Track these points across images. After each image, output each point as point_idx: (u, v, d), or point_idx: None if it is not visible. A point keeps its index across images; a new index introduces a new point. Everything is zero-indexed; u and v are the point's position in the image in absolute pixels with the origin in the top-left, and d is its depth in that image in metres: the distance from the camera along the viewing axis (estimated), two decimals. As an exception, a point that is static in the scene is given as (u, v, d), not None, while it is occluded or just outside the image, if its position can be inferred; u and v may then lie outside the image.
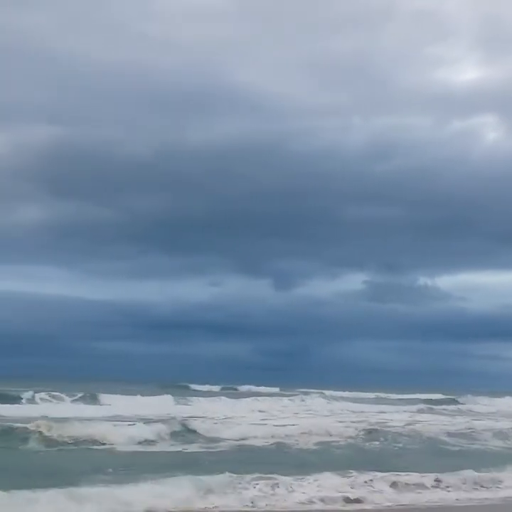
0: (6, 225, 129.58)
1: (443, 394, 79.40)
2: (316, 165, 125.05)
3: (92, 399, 49.24)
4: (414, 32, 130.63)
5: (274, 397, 60.78)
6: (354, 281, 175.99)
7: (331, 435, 29.00)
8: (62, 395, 48.47)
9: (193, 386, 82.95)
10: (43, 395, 47.67)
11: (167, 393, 55.38)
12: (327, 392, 77.24)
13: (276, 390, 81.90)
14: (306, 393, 70.73)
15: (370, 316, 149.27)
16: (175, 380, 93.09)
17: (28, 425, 24.59)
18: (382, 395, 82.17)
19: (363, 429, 31.09)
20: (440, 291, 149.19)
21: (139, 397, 51.65)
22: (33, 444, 23.27)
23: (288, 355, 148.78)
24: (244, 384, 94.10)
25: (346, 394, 75.59)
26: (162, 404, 46.58)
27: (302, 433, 28.01)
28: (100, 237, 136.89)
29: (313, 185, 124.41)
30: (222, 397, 56.58)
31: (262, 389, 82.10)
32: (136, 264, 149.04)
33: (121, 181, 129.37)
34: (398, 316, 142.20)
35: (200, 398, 56.06)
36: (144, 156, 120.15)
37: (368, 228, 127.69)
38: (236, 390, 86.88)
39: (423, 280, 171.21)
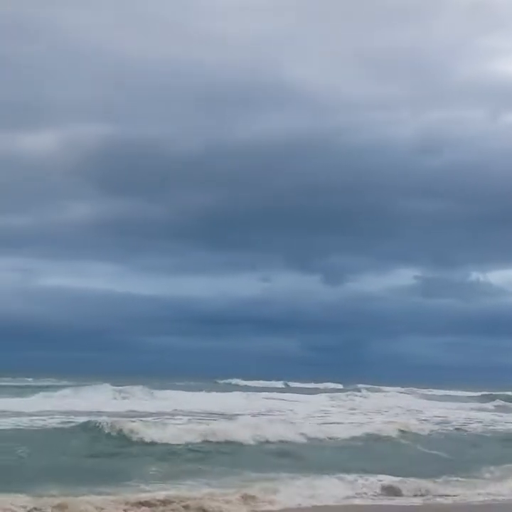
0: (57, 222, 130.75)
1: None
2: (365, 159, 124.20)
3: (159, 394, 48.78)
4: (466, 23, 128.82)
5: (347, 393, 60.28)
6: (405, 276, 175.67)
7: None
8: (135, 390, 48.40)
9: (251, 383, 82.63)
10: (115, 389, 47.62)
11: (224, 388, 55.34)
12: (385, 388, 76.98)
13: (338, 385, 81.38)
14: (368, 390, 70.45)
15: (421, 311, 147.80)
16: (225, 376, 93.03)
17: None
18: (437, 391, 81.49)
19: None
20: (492, 286, 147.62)
21: (204, 393, 51.59)
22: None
23: (338, 350, 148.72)
24: (295, 379, 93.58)
25: (406, 389, 74.99)
26: (235, 401, 46.25)
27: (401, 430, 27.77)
28: (150, 233, 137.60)
29: (364, 179, 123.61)
30: (295, 394, 56.31)
31: (325, 385, 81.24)
32: (186, 259, 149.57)
33: (171, 178, 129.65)
34: (450, 312, 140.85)
35: (264, 393, 55.78)
36: (192, 153, 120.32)
37: (419, 223, 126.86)
38: (288, 385, 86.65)
39: (475, 275, 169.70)
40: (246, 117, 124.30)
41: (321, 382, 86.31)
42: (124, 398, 44.30)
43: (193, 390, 54.68)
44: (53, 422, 27.74)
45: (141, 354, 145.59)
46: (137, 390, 47.66)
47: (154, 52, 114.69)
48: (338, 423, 30.73)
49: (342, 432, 26.55)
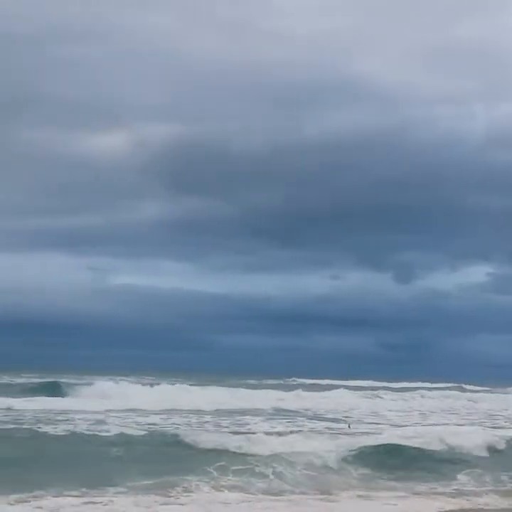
0: (128, 222, 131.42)
1: None
2: (437, 154, 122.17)
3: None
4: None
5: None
6: (477, 273, 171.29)
7: None
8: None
9: (336, 382, 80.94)
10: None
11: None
12: (467, 387, 75.38)
13: (425, 384, 79.58)
14: (451, 388, 68.99)
15: (494, 308, 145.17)
16: (299, 374, 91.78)
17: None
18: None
19: None
20: None
21: (299, 391, 50.76)
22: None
23: (409, 348, 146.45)
24: (368, 378, 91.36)
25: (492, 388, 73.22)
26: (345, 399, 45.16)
27: None
28: (219, 231, 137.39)
29: (435, 175, 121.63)
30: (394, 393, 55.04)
31: (404, 385, 79.19)
32: (256, 258, 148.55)
33: (239, 176, 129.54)
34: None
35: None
36: (261, 151, 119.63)
37: (492, 218, 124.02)
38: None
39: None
40: (314, 114, 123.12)
41: (400, 381, 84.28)
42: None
43: (289, 390, 53.54)
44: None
45: (211, 352, 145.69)
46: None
47: (221, 52, 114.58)
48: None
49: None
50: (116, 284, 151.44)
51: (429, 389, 68.14)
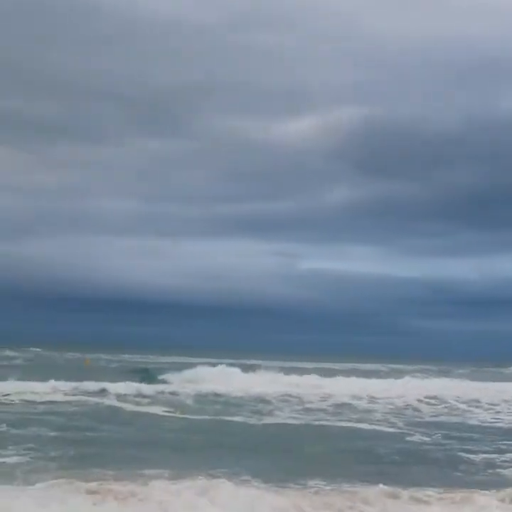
0: (317, 206, 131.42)
1: None
2: None
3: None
4: None
5: None
6: None
7: None
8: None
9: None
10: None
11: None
12: None
13: None
14: None
15: None
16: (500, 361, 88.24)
17: None
18: None
19: None
20: None
21: None
22: None
23: None
24: None
25: None
26: None
27: None
28: (412, 214, 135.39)
29: None
30: None
31: None
32: (450, 240, 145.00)
33: (431, 157, 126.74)
34: None
35: None
36: (453, 130, 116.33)
37: None
38: None
39: None
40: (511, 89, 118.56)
41: None
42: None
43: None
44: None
45: (403, 337, 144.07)
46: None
47: (413, 29, 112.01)
48: None
49: None
50: (306, 268, 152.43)
51: None
